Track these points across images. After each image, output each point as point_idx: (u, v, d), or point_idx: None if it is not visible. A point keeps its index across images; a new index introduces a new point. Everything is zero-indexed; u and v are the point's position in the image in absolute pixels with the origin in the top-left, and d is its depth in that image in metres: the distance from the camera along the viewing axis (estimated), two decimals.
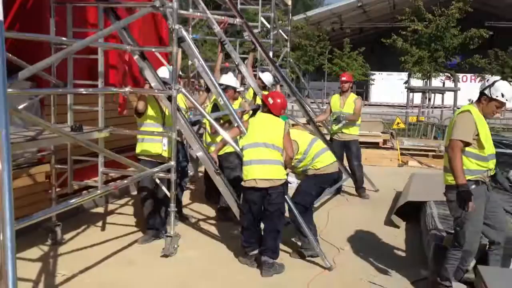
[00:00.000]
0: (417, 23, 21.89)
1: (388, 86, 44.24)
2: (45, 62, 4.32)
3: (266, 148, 5.71)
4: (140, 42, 9.06)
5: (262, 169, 5.64)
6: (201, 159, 6.24)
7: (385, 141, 14.38)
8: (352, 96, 9.64)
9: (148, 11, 5.91)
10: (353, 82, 9.65)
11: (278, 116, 6.02)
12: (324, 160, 6.51)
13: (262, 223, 5.88)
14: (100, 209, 8.00)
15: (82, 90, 6.00)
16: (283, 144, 5.79)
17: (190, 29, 10.25)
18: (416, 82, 27.22)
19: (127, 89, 6.06)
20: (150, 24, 9.00)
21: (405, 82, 22.86)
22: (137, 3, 6.37)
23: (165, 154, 6.37)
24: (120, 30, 5.96)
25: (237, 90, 7.67)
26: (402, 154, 13.97)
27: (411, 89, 20.79)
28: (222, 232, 7.12)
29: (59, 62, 6.23)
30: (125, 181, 5.87)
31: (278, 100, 5.99)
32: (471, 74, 42.43)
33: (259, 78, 9.48)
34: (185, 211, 8.10)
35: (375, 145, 14.22)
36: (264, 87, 9.55)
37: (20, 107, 6.00)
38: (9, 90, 5.38)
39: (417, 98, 27.96)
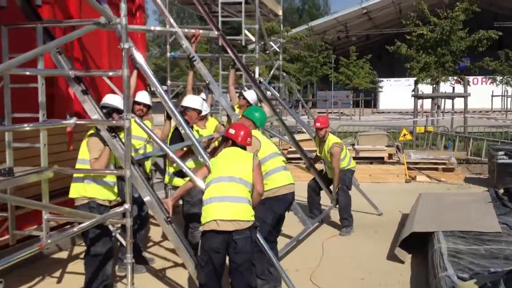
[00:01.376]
0: (422, 28, 20.88)
1: (397, 93, 43.23)
2: None
3: (231, 183, 4.75)
4: (110, 64, 8.27)
5: (225, 208, 4.64)
6: (149, 205, 5.26)
7: (390, 155, 13.35)
8: (328, 144, 8.38)
9: (91, 28, 5.02)
10: (328, 127, 8.49)
11: (245, 148, 5.16)
12: (276, 179, 5.77)
13: (230, 279, 4.88)
14: (64, 254, 7.08)
15: (19, 126, 5.05)
16: (253, 178, 4.86)
17: (168, 46, 9.37)
18: (425, 88, 26.19)
19: (72, 121, 5.15)
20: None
21: (413, 90, 21.79)
22: (81, 21, 5.48)
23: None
24: (55, 53, 5.07)
25: (202, 112, 6.57)
26: (409, 168, 12.96)
27: (418, 97, 19.73)
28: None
29: None
30: (75, 230, 4.96)
31: (244, 131, 5.14)
32: (482, 77, 41.34)
33: (244, 97, 8.60)
34: (160, 251, 7.20)
35: (380, 160, 13.21)
36: (249, 106, 8.67)
37: None
38: None
39: (427, 103, 26.92)
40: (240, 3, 9.07)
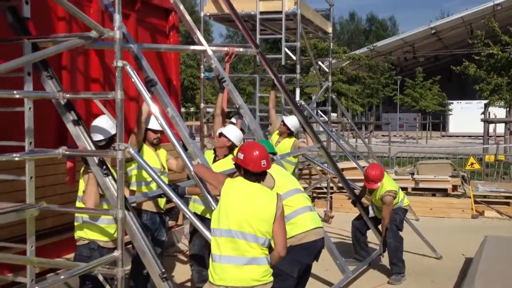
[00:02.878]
0: (492, 47, 19.30)
1: (468, 116, 40.87)
2: None
3: (244, 241, 3.81)
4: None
5: (237, 273, 3.76)
6: (141, 255, 4.40)
7: (455, 187, 12.01)
8: (381, 189, 7.18)
9: (77, 43, 4.32)
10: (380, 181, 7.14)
11: (261, 175, 4.05)
12: (302, 223, 4.80)
13: None
14: None
15: (7, 156, 4.40)
16: (273, 232, 3.88)
17: (202, 67, 8.66)
18: (499, 111, 24.34)
19: (60, 150, 4.43)
20: (155, 62, 7.53)
21: (482, 113, 20.13)
22: (72, 35, 4.78)
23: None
24: (43, 75, 4.39)
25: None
26: (476, 202, 11.56)
27: (488, 121, 18.13)
28: None
29: None
30: (61, 277, 4.23)
31: (255, 152, 3.98)
32: None
33: (284, 123, 7.76)
34: None
35: (443, 192, 11.91)
36: (290, 133, 7.82)
37: None
38: None
39: (501, 127, 24.97)
40: (281, 19, 8.25)
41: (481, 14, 34.51)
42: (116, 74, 4.26)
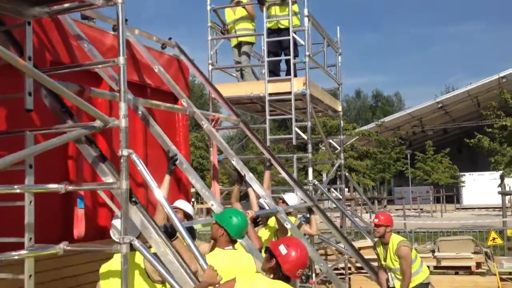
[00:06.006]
0: (504, 118, 19.22)
1: (482, 187, 40.31)
2: None
3: None
4: (147, 156, 7.33)
5: None
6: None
7: (479, 264, 11.46)
8: (393, 245, 6.92)
9: (81, 133, 4.17)
10: (390, 225, 6.96)
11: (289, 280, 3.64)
12: None
13: None
14: None
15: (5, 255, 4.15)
16: None
17: (211, 149, 8.52)
18: None
19: (61, 245, 4.18)
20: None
21: (499, 186, 19.81)
22: (77, 125, 4.61)
23: None
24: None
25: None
26: (502, 279, 10.96)
27: (505, 193, 17.75)
28: None
29: None
30: None
31: (294, 253, 3.58)
32: None
33: (283, 201, 7.37)
34: None
35: (466, 270, 11.35)
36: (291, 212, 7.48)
37: None
38: None
39: None
40: (290, 99, 8.17)
41: (486, 87, 34.88)
42: (121, 163, 4.09)
